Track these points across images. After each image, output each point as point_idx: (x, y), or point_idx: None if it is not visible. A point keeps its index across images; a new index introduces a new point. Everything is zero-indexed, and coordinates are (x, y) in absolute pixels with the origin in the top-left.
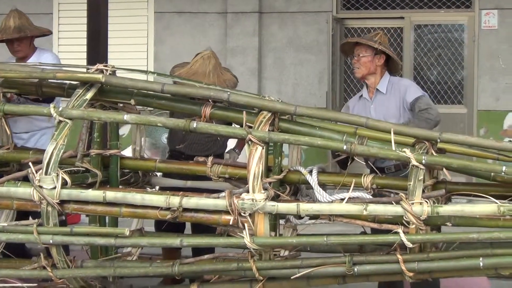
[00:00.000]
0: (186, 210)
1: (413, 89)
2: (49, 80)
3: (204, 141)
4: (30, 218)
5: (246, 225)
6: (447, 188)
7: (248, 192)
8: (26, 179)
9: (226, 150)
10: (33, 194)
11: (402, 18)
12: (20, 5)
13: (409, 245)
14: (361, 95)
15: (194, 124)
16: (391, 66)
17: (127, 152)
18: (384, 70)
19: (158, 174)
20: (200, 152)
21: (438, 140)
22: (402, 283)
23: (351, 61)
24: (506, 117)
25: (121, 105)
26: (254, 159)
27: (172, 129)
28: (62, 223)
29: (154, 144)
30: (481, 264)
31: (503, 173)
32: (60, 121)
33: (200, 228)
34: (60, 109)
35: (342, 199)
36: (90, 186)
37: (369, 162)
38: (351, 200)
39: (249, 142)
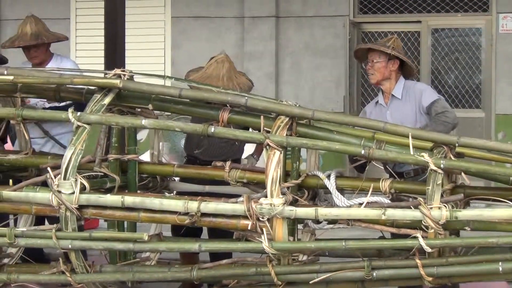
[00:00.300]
0: (204, 215)
1: (429, 92)
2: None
3: (220, 145)
4: (47, 222)
5: (264, 229)
6: (466, 192)
7: (266, 197)
8: (45, 184)
9: (245, 156)
10: (51, 199)
11: (419, 22)
12: (37, 10)
13: (428, 249)
14: (377, 101)
15: (212, 129)
16: (406, 71)
17: (145, 157)
18: (399, 75)
19: (176, 179)
20: (216, 157)
21: (456, 144)
22: None
23: (365, 67)
24: None
25: (139, 110)
26: (272, 163)
27: (188, 134)
28: (79, 228)
29: (173, 149)
30: (501, 268)
31: None
32: (78, 126)
33: (217, 233)
34: (79, 114)
35: (361, 204)
36: (109, 191)
37: (388, 167)
38: (369, 204)
39: (267, 146)
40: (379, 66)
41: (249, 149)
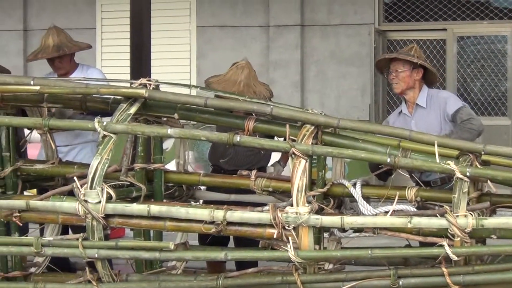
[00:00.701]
0: (230, 223)
1: (453, 100)
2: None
3: (246, 154)
4: (70, 232)
5: (290, 238)
6: (492, 200)
7: (292, 205)
8: (71, 194)
9: (271, 163)
10: (78, 208)
11: (445, 29)
12: (63, 20)
13: (454, 258)
14: (401, 111)
15: (238, 138)
16: (428, 79)
17: (171, 166)
18: (422, 84)
19: (202, 188)
20: (241, 166)
21: (482, 152)
22: None
23: (387, 77)
24: None
25: (164, 119)
26: (298, 172)
27: (213, 143)
28: (105, 237)
29: (200, 158)
30: None
31: None
32: (104, 136)
33: (244, 242)
34: (105, 123)
35: (386, 212)
36: (135, 200)
37: (413, 175)
38: (395, 213)
39: (293, 155)
40: (403, 76)
41: (276, 156)
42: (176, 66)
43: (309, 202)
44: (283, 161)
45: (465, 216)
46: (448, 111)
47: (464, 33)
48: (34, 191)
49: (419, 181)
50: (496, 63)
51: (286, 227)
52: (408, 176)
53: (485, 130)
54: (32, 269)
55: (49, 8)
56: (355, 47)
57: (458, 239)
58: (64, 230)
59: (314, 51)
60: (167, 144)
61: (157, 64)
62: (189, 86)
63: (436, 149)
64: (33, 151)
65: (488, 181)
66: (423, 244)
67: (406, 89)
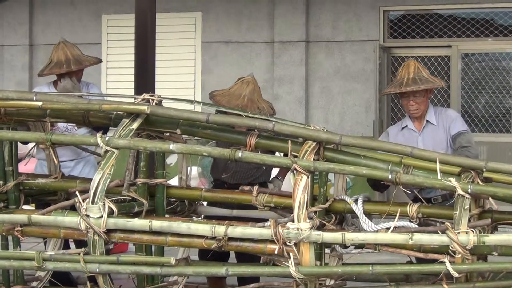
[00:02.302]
0: (231, 239)
1: (460, 123)
2: None
3: (247, 168)
4: (72, 246)
5: (291, 254)
6: (493, 217)
7: (293, 221)
8: (73, 208)
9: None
10: (80, 223)
11: (450, 46)
12: (68, 35)
13: (455, 274)
14: (406, 126)
15: (240, 154)
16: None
17: (175, 181)
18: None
19: (204, 203)
20: (243, 180)
21: (484, 169)
22: None
23: (403, 101)
24: None
25: (167, 134)
26: (299, 188)
27: (215, 158)
28: (107, 252)
29: (205, 173)
30: None
31: None
32: (106, 151)
33: (245, 257)
34: (107, 138)
35: (388, 228)
36: (137, 215)
37: (414, 191)
38: (396, 229)
39: (294, 171)
40: (423, 100)
41: (275, 172)
42: (181, 81)
43: (310, 218)
44: (281, 176)
45: (467, 233)
46: (451, 130)
47: (468, 50)
48: (33, 205)
49: (420, 197)
50: (500, 80)
51: (288, 243)
52: (409, 192)
53: (489, 147)
54: (34, 283)
55: (54, 23)
56: (360, 64)
57: (459, 255)
58: (66, 245)
59: (318, 67)
60: (172, 159)
61: (162, 79)
62: (192, 101)
63: (438, 166)
64: (29, 165)
65: (490, 198)
66: (423, 261)
67: (425, 110)
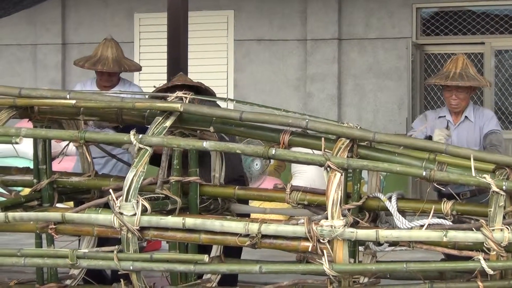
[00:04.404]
0: (265, 236)
1: (494, 122)
2: None
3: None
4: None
5: (325, 251)
6: None
7: (327, 218)
8: (107, 206)
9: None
10: (113, 220)
11: (483, 43)
12: (101, 34)
13: (490, 272)
14: (443, 116)
15: (273, 151)
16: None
17: None
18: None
19: None
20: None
21: None
22: None
23: (445, 94)
24: None
25: (200, 132)
26: (333, 185)
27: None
28: (140, 250)
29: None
30: None
31: None
32: (140, 148)
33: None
34: (140, 136)
35: (422, 226)
36: (170, 212)
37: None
38: (430, 226)
39: (328, 168)
40: (465, 96)
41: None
42: (214, 79)
43: (344, 216)
44: None
45: (501, 230)
46: (484, 128)
47: (502, 47)
48: (71, 203)
49: (452, 192)
50: None
51: (321, 240)
52: (443, 189)
53: None
54: (68, 281)
55: (87, 22)
56: (393, 61)
57: (494, 253)
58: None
59: (351, 64)
60: None
61: (195, 77)
62: (225, 99)
63: (472, 163)
64: (69, 163)
65: None
66: (457, 258)
67: (465, 107)
